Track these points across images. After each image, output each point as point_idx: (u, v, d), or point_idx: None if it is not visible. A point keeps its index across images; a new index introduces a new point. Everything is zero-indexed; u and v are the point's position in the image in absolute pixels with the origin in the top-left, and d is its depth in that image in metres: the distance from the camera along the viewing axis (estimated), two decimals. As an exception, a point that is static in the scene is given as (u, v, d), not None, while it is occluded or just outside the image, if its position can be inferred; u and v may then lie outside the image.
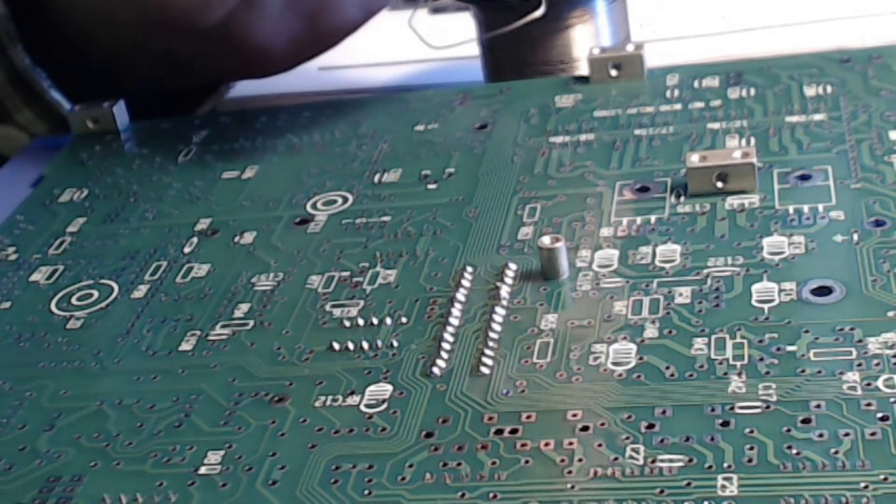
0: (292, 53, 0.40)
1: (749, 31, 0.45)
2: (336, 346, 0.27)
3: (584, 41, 0.40)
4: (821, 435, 0.22)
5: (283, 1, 0.38)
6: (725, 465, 0.22)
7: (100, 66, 0.41)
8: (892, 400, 0.23)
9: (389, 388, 0.26)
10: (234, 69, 0.41)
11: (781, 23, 0.45)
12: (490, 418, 0.24)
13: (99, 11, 0.39)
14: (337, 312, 0.29)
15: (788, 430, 0.23)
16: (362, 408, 0.25)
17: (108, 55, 0.41)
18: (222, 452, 0.25)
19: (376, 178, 0.34)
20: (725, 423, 0.23)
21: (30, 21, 0.41)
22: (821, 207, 0.29)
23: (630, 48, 0.37)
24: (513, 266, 0.29)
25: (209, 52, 0.39)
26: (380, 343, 0.27)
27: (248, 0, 0.37)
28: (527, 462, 0.23)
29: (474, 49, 0.42)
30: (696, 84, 0.36)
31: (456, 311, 0.28)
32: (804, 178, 0.30)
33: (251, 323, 0.29)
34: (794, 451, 0.22)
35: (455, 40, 0.41)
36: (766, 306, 0.26)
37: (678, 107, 0.35)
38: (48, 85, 0.41)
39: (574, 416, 0.24)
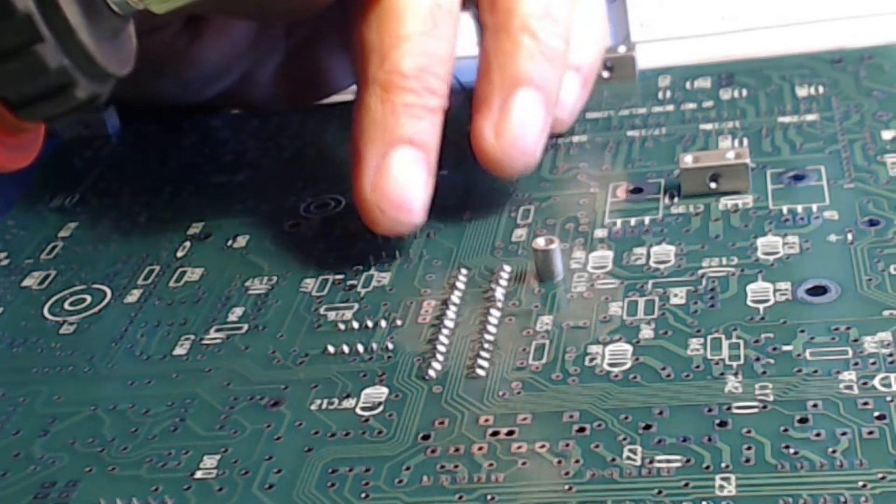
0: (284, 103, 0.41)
1: (749, 32, 0.45)
2: (331, 349, 0.27)
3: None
4: (818, 434, 0.22)
5: (274, 70, 0.39)
6: (723, 465, 0.22)
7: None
8: (888, 399, 0.23)
9: (385, 390, 0.26)
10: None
11: (775, 23, 0.45)
12: (486, 420, 0.24)
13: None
14: (331, 315, 0.28)
15: (786, 430, 0.23)
16: (358, 411, 0.25)
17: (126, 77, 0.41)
18: (218, 457, 0.25)
19: (369, 181, 0.34)
20: (723, 424, 0.23)
21: None
22: (815, 207, 0.29)
23: (622, 50, 0.37)
24: (507, 268, 0.29)
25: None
26: (375, 346, 0.27)
27: (244, 75, 0.39)
28: (524, 464, 0.23)
29: (474, 49, 0.41)
30: (688, 85, 0.36)
31: (451, 313, 0.28)
32: (798, 178, 0.30)
33: (245, 327, 0.29)
34: (792, 451, 0.22)
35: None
36: (761, 306, 0.26)
37: (670, 108, 0.35)
38: None
39: (571, 417, 0.24)
